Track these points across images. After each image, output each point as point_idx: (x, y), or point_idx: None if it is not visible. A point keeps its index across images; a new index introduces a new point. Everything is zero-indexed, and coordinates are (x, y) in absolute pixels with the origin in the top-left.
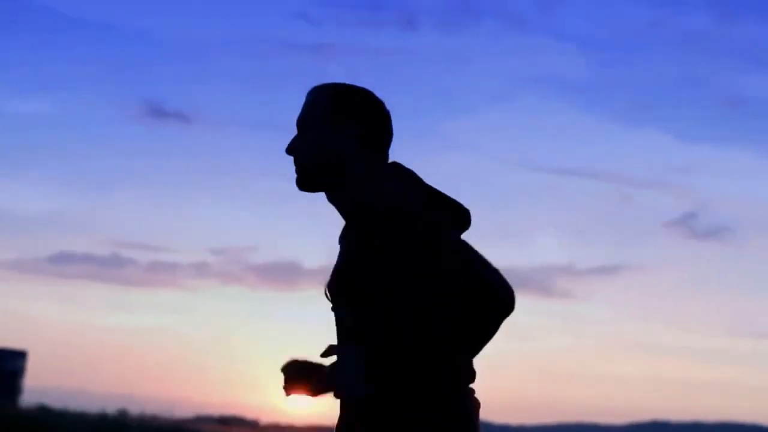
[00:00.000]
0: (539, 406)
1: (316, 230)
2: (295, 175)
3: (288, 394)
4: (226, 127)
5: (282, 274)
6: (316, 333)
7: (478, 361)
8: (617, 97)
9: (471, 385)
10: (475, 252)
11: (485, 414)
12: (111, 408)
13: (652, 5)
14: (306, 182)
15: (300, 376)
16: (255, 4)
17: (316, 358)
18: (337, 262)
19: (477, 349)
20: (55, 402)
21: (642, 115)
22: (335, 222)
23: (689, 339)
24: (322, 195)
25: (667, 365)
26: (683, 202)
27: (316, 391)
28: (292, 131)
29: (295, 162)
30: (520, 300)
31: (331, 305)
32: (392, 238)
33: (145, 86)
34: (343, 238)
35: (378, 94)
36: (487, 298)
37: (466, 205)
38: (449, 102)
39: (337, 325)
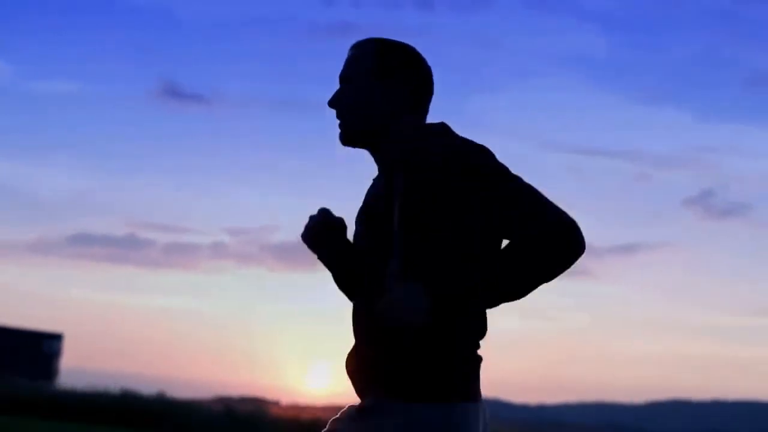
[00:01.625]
0: (559, 386)
1: (335, 209)
2: (338, 130)
3: (307, 243)
4: (244, 107)
5: (300, 254)
6: (334, 313)
7: (497, 341)
8: (638, 76)
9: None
10: (532, 187)
11: (505, 394)
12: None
13: None
14: (350, 137)
15: (325, 230)
16: None
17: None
18: (378, 204)
19: (524, 287)
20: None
21: (662, 95)
22: (354, 200)
23: (709, 317)
24: (338, 175)
25: (687, 344)
26: (702, 180)
27: (331, 253)
28: (311, 110)
29: (338, 116)
30: None
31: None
32: (465, 178)
33: (164, 67)
34: (388, 181)
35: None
36: (543, 229)
37: None
38: (470, 82)
39: (370, 263)
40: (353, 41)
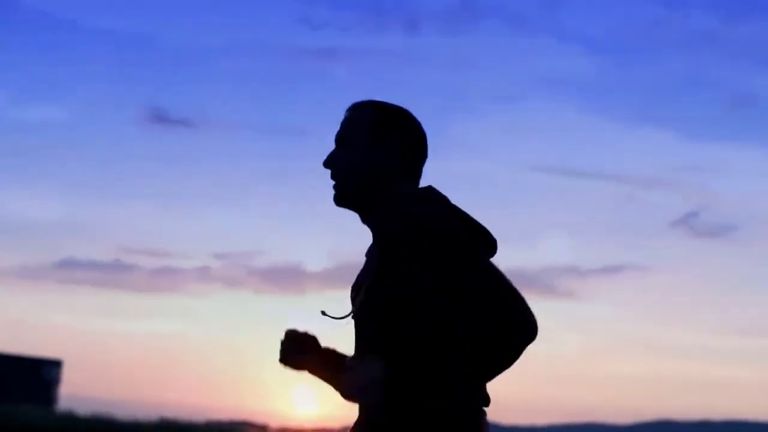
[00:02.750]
0: (548, 407)
1: (320, 234)
2: (332, 191)
3: (285, 365)
4: (230, 132)
5: (286, 277)
6: (320, 336)
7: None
8: (622, 97)
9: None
10: (503, 276)
11: (494, 415)
12: (120, 414)
13: (657, 4)
14: (344, 199)
15: (299, 347)
16: (258, 10)
17: (313, 332)
18: (365, 278)
19: (495, 373)
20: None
21: (647, 115)
22: (338, 226)
23: (695, 338)
24: (324, 200)
25: (674, 364)
26: (688, 201)
27: (312, 365)
28: (297, 136)
29: (333, 177)
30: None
31: (348, 316)
32: (433, 259)
33: (149, 92)
34: (373, 256)
35: (382, 97)
36: (513, 326)
37: (472, 206)
38: (454, 105)
39: (356, 338)
40: (340, 65)
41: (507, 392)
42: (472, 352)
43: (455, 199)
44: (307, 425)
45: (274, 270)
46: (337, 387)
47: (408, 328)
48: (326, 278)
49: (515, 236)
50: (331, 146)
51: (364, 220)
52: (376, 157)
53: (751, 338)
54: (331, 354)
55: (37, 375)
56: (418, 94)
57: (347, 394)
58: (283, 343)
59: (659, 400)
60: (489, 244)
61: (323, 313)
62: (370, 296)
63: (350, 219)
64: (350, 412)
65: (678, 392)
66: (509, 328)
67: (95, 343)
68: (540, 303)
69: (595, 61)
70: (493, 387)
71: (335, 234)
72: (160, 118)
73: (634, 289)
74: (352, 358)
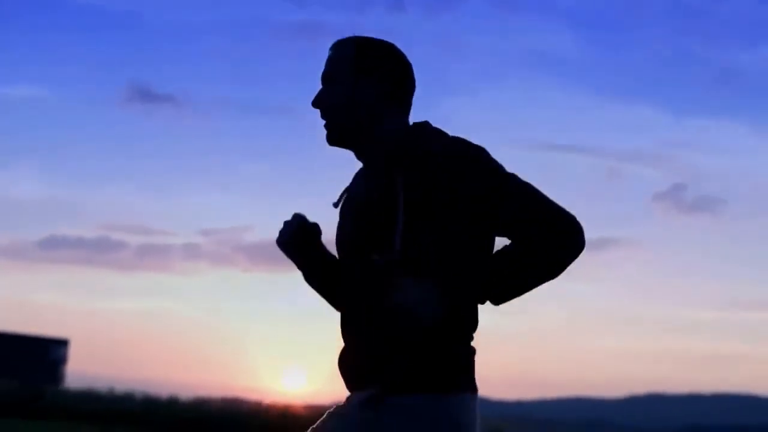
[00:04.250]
0: (536, 382)
1: (308, 210)
2: (324, 131)
3: (284, 248)
4: (215, 108)
5: (273, 254)
6: (308, 313)
7: (474, 338)
8: (606, 72)
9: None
10: (524, 186)
11: (483, 390)
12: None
13: None
14: (336, 137)
15: (304, 234)
16: None
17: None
18: (362, 196)
19: (528, 285)
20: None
21: (632, 90)
22: (327, 199)
23: (682, 312)
24: (311, 174)
25: (662, 339)
26: (672, 175)
27: (309, 260)
28: (282, 113)
29: (323, 116)
30: None
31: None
32: (478, 174)
33: (134, 70)
34: (380, 184)
35: None
36: (548, 231)
37: None
38: (438, 82)
39: (366, 265)
40: (324, 42)
41: (495, 367)
42: (526, 260)
43: None
44: (298, 401)
45: (261, 247)
46: (329, 297)
47: (451, 242)
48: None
49: None
50: (316, 124)
51: (359, 157)
52: (362, 92)
53: (739, 312)
54: (329, 255)
55: (43, 354)
56: None
57: (402, 315)
58: (287, 224)
59: (648, 374)
60: None
61: (335, 205)
62: (409, 207)
63: (339, 187)
64: (338, 387)
65: (667, 366)
66: (562, 232)
67: (81, 322)
68: None
69: (580, 37)
70: (480, 361)
71: (323, 210)
72: (144, 94)
73: (621, 263)
74: (396, 272)
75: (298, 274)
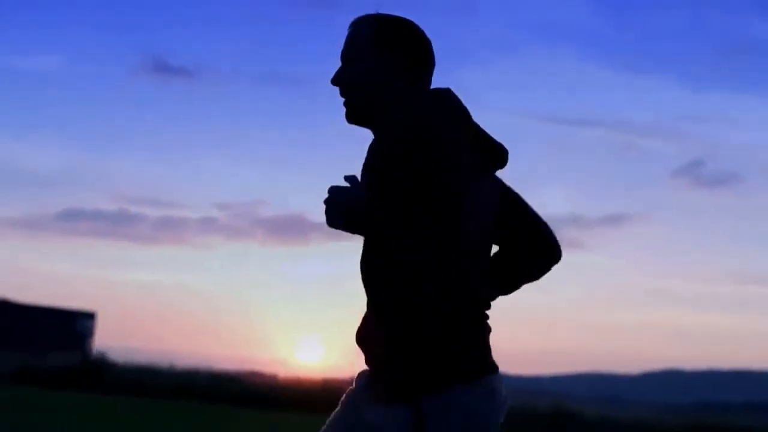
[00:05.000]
0: (553, 357)
1: (324, 183)
2: (343, 109)
3: (334, 227)
4: (231, 81)
5: (290, 228)
6: (325, 286)
7: (489, 314)
8: (623, 44)
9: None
10: (518, 195)
11: (500, 366)
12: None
13: None
14: (356, 115)
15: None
16: None
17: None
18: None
19: (515, 286)
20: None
21: (648, 63)
22: (342, 174)
23: (700, 287)
24: (327, 148)
25: (679, 314)
26: (691, 150)
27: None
28: (297, 85)
29: (342, 94)
30: None
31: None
32: (400, 159)
33: (149, 41)
34: (365, 163)
35: None
36: (534, 240)
37: None
38: (452, 53)
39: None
40: (339, 12)
41: (511, 342)
42: (513, 266)
43: None
44: (315, 375)
45: (277, 220)
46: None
47: (401, 230)
48: (331, 228)
49: (516, 185)
50: (333, 96)
51: (374, 129)
52: (381, 70)
53: (758, 287)
54: None
55: (70, 327)
56: None
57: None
58: (332, 204)
59: (666, 350)
60: (495, 157)
61: (346, 177)
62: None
63: (356, 163)
64: (354, 361)
65: (684, 342)
66: (530, 240)
67: (99, 294)
68: None
69: (596, 9)
70: (496, 337)
71: (339, 183)
72: (160, 66)
73: (638, 238)
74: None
75: (315, 248)
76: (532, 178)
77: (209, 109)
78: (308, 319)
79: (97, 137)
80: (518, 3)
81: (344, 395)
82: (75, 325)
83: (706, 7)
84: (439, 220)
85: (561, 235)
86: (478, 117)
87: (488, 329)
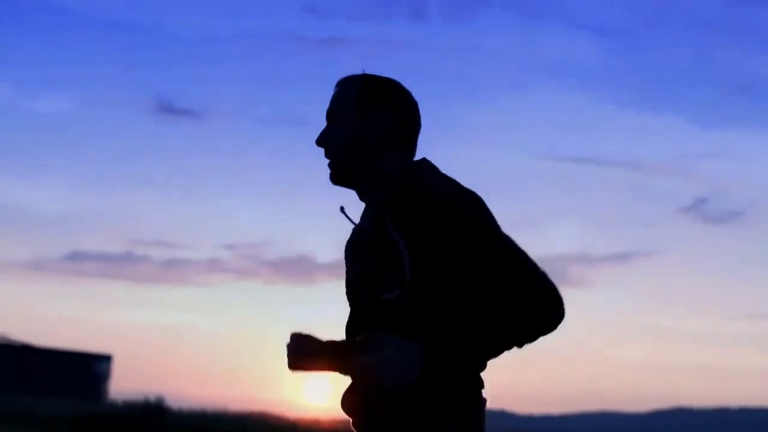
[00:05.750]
0: (562, 396)
1: (330, 224)
2: (327, 170)
3: (293, 369)
4: (238, 122)
5: (296, 268)
6: (332, 327)
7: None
8: (630, 83)
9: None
10: (520, 249)
11: (508, 405)
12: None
13: None
14: (340, 176)
15: (307, 350)
16: (265, 0)
17: (318, 334)
18: (360, 245)
19: (501, 351)
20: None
21: (655, 101)
22: (351, 214)
23: (708, 324)
24: (334, 189)
25: (688, 351)
26: (696, 187)
27: (321, 368)
28: (305, 125)
29: (327, 155)
30: None
31: (357, 298)
32: (471, 223)
33: (156, 83)
34: (371, 218)
35: None
36: (536, 299)
37: (480, 194)
38: (461, 92)
39: (353, 306)
40: (346, 54)
41: (521, 382)
42: (505, 324)
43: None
44: (323, 417)
45: (283, 261)
46: (350, 372)
47: (433, 298)
48: (337, 268)
49: (524, 223)
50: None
51: (362, 197)
52: (367, 130)
53: (766, 323)
54: (337, 345)
55: (87, 370)
56: (425, 83)
57: (375, 373)
58: (289, 347)
59: (674, 388)
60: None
61: (342, 209)
62: (371, 261)
63: (359, 206)
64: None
65: (693, 380)
66: (544, 301)
67: (107, 335)
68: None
69: (603, 47)
70: (505, 377)
71: (346, 224)
72: (167, 108)
73: (645, 275)
74: (366, 337)
75: (321, 288)
76: (539, 216)
77: (216, 151)
78: None
79: (103, 178)
80: (526, 42)
81: None
82: (92, 368)
83: (713, 46)
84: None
85: (570, 272)
86: (486, 154)
87: (483, 401)
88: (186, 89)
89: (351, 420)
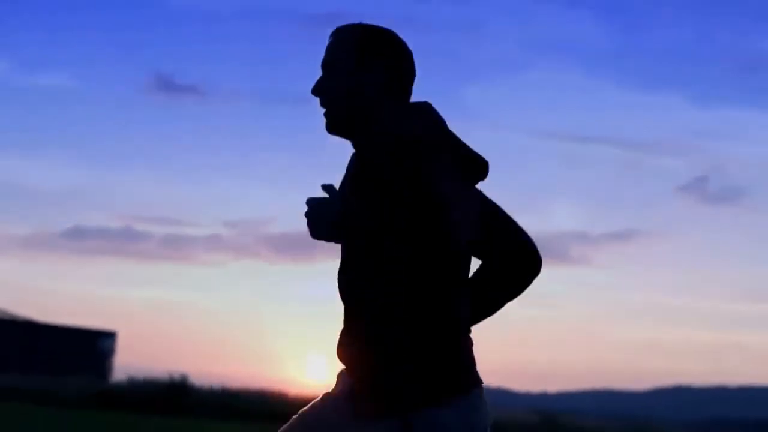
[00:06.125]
0: (561, 374)
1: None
2: (323, 119)
3: (319, 238)
4: (239, 99)
5: (296, 245)
6: (333, 304)
7: (497, 331)
8: (630, 61)
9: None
10: (497, 206)
11: (507, 383)
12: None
13: None
14: (336, 125)
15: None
16: None
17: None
18: (344, 188)
19: (496, 304)
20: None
21: (655, 80)
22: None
23: (708, 303)
24: (335, 167)
25: (687, 330)
26: (696, 166)
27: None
28: (306, 102)
29: (322, 104)
30: None
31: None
32: (394, 172)
33: (158, 60)
34: (354, 166)
35: None
36: (513, 254)
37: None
38: (461, 72)
39: (342, 247)
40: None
41: (519, 360)
42: (493, 282)
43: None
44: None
45: (284, 237)
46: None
47: (390, 240)
48: (337, 245)
49: (525, 202)
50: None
51: (357, 148)
52: (362, 79)
53: (766, 303)
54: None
55: (91, 347)
56: (425, 61)
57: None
58: (312, 216)
59: (674, 366)
60: (476, 169)
61: (324, 186)
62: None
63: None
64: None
65: (693, 358)
66: (510, 254)
67: (106, 312)
68: (551, 270)
69: (603, 26)
70: (504, 354)
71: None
72: (169, 85)
73: (645, 254)
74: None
75: (321, 266)
76: (539, 195)
77: (217, 127)
78: (315, 336)
79: (103, 155)
80: (526, 21)
81: (320, 397)
82: (96, 345)
83: (712, 24)
84: (429, 230)
85: (571, 251)
86: (485, 134)
87: (472, 342)
88: (187, 65)
89: (347, 367)
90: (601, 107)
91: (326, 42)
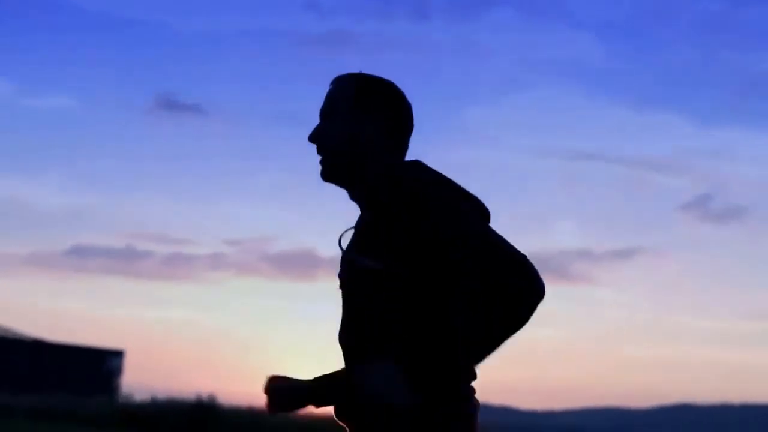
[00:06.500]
0: (565, 391)
1: (332, 219)
2: (319, 167)
3: (271, 412)
4: (241, 119)
5: (298, 263)
6: (334, 323)
7: (502, 349)
8: (632, 81)
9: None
10: (499, 236)
11: (511, 400)
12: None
13: None
14: (331, 173)
15: (284, 394)
16: None
17: (297, 374)
18: (356, 249)
19: (504, 338)
20: None
21: (658, 99)
22: (352, 209)
23: (710, 322)
24: (335, 188)
25: (690, 348)
26: (699, 184)
27: (300, 407)
28: (307, 122)
29: (319, 151)
30: None
31: (344, 294)
32: (418, 219)
33: (160, 79)
34: (358, 226)
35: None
36: (520, 284)
37: (485, 193)
38: (464, 92)
39: (345, 308)
40: (349, 52)
41: (524, 378)
42: (475, 317)
43: (468, 187)
44: (319, 412)
45: (286, 256)
46: (340, 400)
47: (398, 299)
48: (339, 263)
49: (528, 221)
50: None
51: (352, 197)
52: (360, 129)
53: (766, 321)
54: (319, 382)
55: (99, 365)
56: (427, 81)
57: (367, 398)
58: (268, 394)
59: (677, 384)
60: (481, 212)
61: (340, 241)
62: (357, 266)
63: (353, 209)
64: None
65: (696, 376)
66: (516, 285)
67: (110, 331)
68: (554, 288)
69: (605, 46)
70: (510, 372)
71: (347, 218)
72: (170, 104)
73: (648, 272)
74: (353, 368)
75: (322, 284)
76: (542, 214)
77: (219, 146)
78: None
79: (105, 174)
80: (528, 42)
81: None
82: (104, 364)
83: (715, 44)
84: (436, 275)
85: (573, 269)
86: (490, 153)
87: (474, 391)
88: (188, 85)
89: (348, 428)
90: (604, 126)
91: (329, 63)
